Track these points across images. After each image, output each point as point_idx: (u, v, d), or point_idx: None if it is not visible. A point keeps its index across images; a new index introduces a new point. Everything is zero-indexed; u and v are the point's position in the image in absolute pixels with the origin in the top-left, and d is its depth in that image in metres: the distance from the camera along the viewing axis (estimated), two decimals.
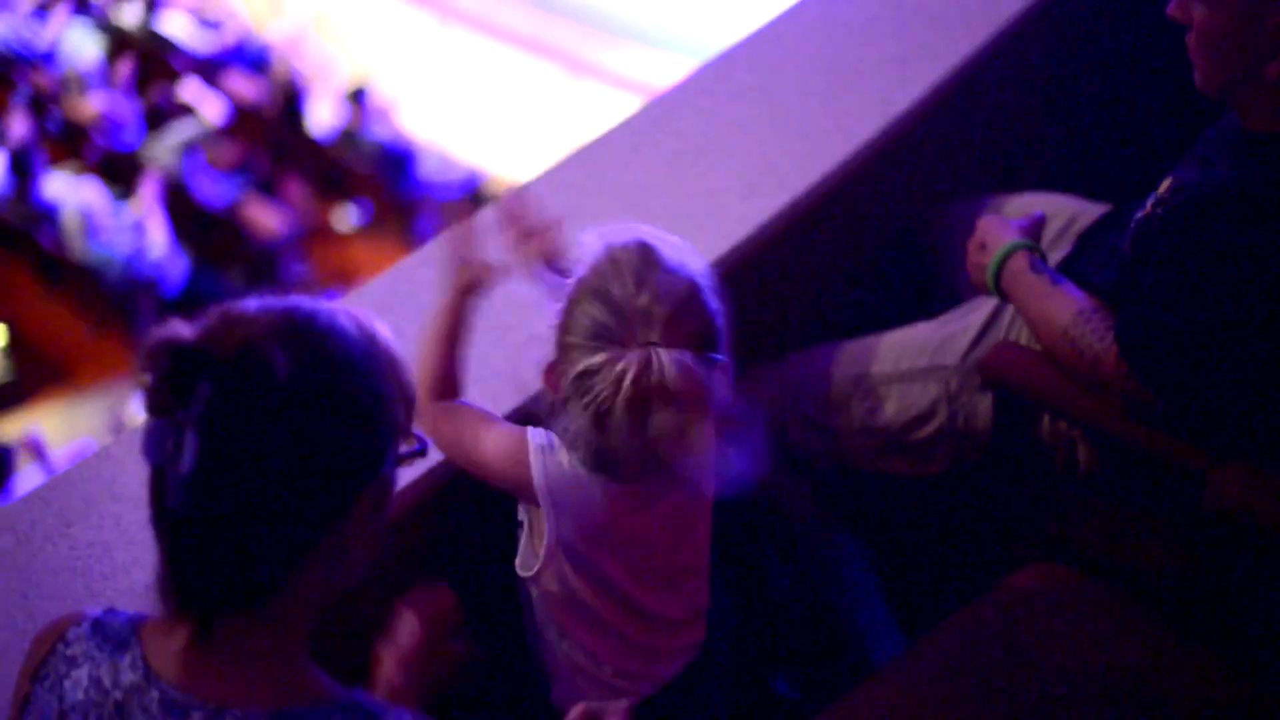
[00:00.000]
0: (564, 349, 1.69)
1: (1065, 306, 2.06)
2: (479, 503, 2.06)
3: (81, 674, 1.27)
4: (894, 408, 2.35)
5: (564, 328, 1.70)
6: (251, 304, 1.22)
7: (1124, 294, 2.02)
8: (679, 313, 1.66)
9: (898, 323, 2.47)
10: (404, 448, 1.31)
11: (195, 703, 1.21)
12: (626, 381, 1.61)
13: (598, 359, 1.63)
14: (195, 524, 1.17)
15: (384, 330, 1.29)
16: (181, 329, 1.18)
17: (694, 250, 1.77)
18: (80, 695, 1.26)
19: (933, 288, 2.70)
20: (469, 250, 1.88)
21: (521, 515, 1.94)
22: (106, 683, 1.26)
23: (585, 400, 1.65)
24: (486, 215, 1.89)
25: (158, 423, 1.16)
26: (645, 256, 1.69)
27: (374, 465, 1.25)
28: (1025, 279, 2.12)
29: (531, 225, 1.90)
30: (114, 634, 1.29)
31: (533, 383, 2.04)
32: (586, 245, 1.74)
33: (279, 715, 1.21)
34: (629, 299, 1.65)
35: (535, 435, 1.82)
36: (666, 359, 1.61)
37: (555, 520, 1.80)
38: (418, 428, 1.79)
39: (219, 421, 1.14)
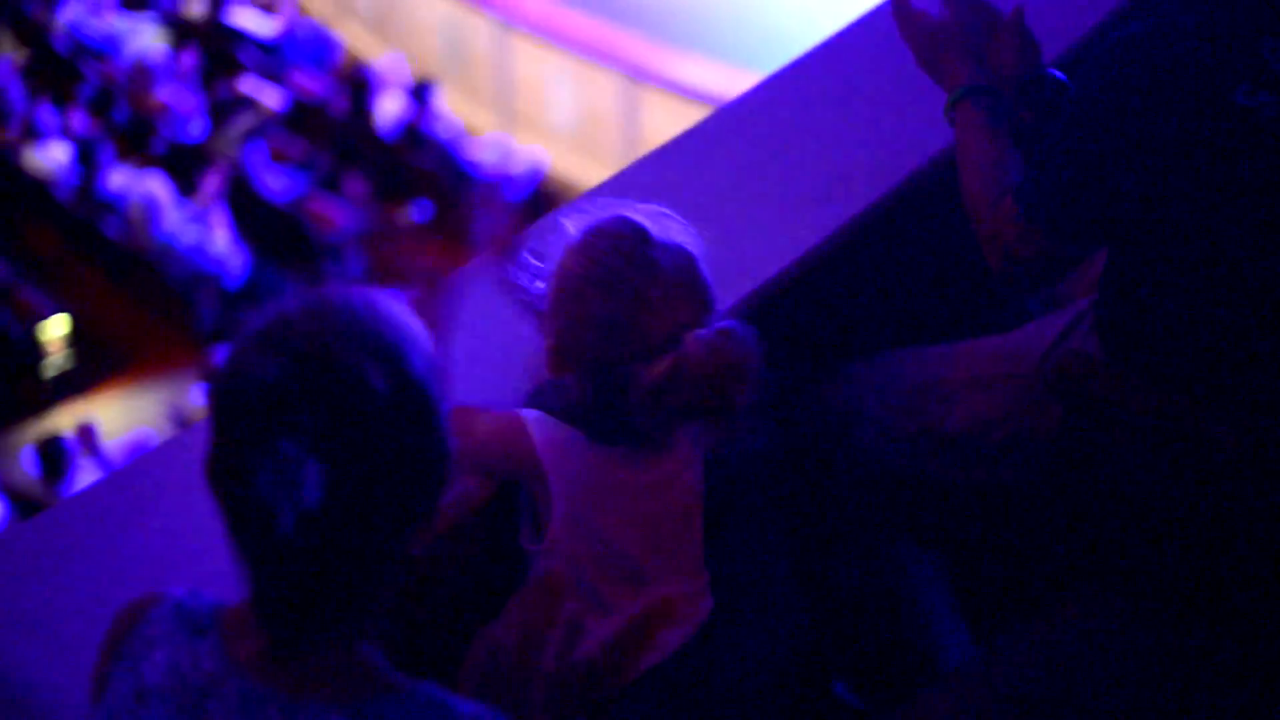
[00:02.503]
0: (575, 336, 1.73)
1: (997, 166, 2.06)
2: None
3: (160, 656, 1.26)
4: (963, 415, 2.33)
5: (575, 318, 1.73)
6: (321, 311, 1.18)
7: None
8: (690, 288, 1.72)
9: (969, 332, 2.45)
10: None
11: (273, 697, 1.21)
12: (662, 372, 1.66)
13: (623, 350, 1.69)
14: (309, 553, 1.16)
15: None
16: (262, 362, 1.15)
17: (669, 214, 1.79)
18: (159, 678, 1.25)
19: (1001, 295, 2.68)
20: None
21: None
22: (185, 668, 1.25)
23: (607, 381, 1.71)
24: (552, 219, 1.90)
25: (262, 457, 1.14)
26: (641, 237, 1.72)
27: (449, 463, 1.23)
28: (970, 131, 2.15)
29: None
30: (194, 618, 1.28)
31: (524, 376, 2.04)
32: (567, 231, 1.79)
33: (356, 711, 1.20)
34: (644, 287, 1.69)
35: (526, 412, 1.85)
36: (699, 345, 1.67)
37: (558, 485, 1.80)
38: None
39: (333, 449, 1.13)
